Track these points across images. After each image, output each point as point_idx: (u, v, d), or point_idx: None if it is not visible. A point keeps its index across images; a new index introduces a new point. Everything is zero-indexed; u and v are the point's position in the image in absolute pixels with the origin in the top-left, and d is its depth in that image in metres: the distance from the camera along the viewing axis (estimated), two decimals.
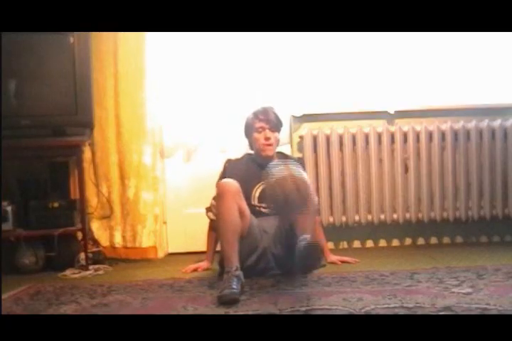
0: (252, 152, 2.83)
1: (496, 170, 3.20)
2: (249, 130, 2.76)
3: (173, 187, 3.31)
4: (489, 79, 3.34)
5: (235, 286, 2.08)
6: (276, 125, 2.71)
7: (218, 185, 2.41)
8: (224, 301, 2.01)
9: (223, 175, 2.70)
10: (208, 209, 2.75)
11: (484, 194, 3.21)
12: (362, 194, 3.21)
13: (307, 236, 2.12)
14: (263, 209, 2.62)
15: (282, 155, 2.82)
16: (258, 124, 2.69)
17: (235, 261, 2.22)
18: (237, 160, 2.82)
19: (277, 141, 2.74)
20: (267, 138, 2.67)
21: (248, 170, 2.71)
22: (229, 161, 2.81)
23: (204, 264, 2.75)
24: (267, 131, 2.67)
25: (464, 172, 3.20)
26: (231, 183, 2.38)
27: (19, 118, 2.77)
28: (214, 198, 2.53)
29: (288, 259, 2.27)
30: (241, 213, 2.37)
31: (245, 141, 2.85)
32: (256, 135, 2.70)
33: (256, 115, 2.71)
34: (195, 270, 2.71)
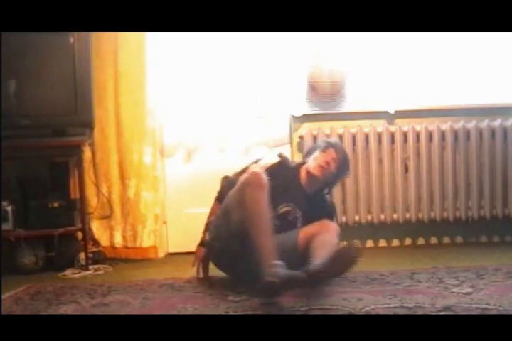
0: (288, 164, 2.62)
1: (496, 170, 3.20)
2: (313, 150, 2.59)
3: (173, 187, 3.31)
4: (489, 79, 3.34)
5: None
6: (341, 164, 2.53)
7: (253, 173, 2.20)
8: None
9: (270, 172, 2.36)
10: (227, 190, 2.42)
11: (484, 194, 3.21)
12: (362, 194, 3.21)
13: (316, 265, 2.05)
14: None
15: (321, 196, 2.64)
16: (330, 150, 2.51)
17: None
18: (291, 166, 2.60)
19: (330, 175, 2.52)
20: (327, 163, 2.48)
21: (281, 181, 2.46)
22: (285, 161, 2.58)
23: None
24: (332, 160, 2.49)
25: (464, 172, 3.21)
26: (260, 173, 2.20)
27: (19, 118, 2.77)
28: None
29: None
30: None
31: (245, 141, 2.83)
32: (319, 154, 2.52)
33: (331, 145, 2.56)
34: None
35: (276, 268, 1.96)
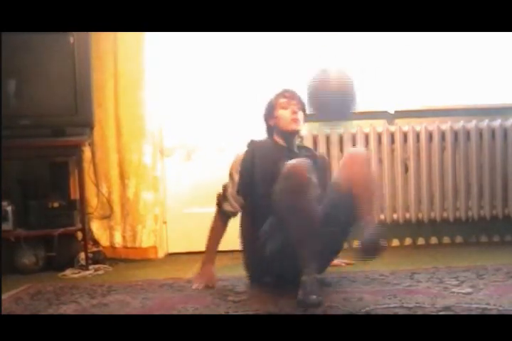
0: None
1: (496, 170, 3.20)
2: (271, 110, 2.46)
3: (173, 187, 3.31)
4: (489, 79, 3.34)
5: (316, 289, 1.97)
6: (302, 105, 2.41)
7: (292, 168, 2.06)
8: (308, 306, 1.93)
9: (249, 157, 2.38)
10: (222, 199, 2.41)
11: (484, 194, 3.21)
12: None
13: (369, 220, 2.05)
14: None
15: (306, 149, 2.59)
16: (283, 100, 2.42)
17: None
18: (263, 142, 2.47)
19: (303, 121, 2.45)
20: (294, 112, 2.39)
21: (277, 154, 2.35)
22: (254, 143, 2.44)
23: (211, 276, 2.41)
24: (294, 106, 2.40)
25: (463, 172, 3.20)
26: (306, 166, 2.07)
27: (19, 118, 2.77)
28: (225, 186, 2.40)
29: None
30: None
31: (245, 141, 2.82)
32: (281, 112, 2.42)
33: (281, 93, 2.47)
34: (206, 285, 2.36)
35: (313, 287, 1.96)
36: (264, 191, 2.18)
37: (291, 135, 2.44)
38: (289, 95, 2.45)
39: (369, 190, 2.18)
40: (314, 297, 1.93)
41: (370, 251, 2.00)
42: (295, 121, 2.40)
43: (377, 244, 2.02)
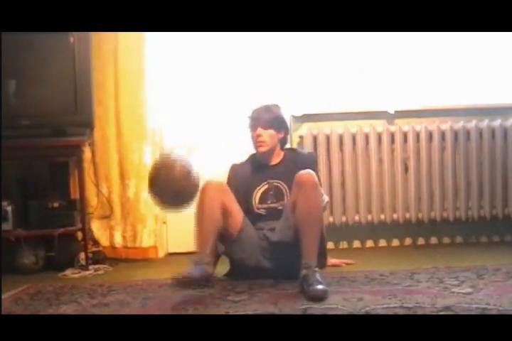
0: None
1: (496, 170, 3.20)
2: (249, 129, 2.68)
3: None
4: (489, 79, 3.34)
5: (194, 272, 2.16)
6: (269, 122, 2.57)
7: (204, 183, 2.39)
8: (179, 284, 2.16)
9: (228, 181, 2.61)
10: None
11: (484, 194, 3.21)
12: (362, 194, 3.21)
13: (310, 264, 2.17)
14: (262, 212, 2.55)
15: (292, 151, 2.73)
16: (251, 122, 2.61)
17: (205, 250, 2.27)
18: (241, 164, 2.71)
19: (274, 138, 2.59)
20: (258, 136, 2.56)
21: (250, 171, 2.64)
22: (232, 167, 2.70)
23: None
24: (259, 128, 2.56)
25: (463, 172, 3.21)
26: (215, 181, 2.43)
27: (19, 118, 2.77)
28: None
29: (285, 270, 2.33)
30: (227, 212, 2.40)
31: (245, 141, 2.84)
32: (251, 133, 2.61)
33: (251, 113, 2.63)
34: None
35: (194, 267, 2.18)
36: (243, 207, 2.50)
37: (262, 156, 2.62)
38: (255, 116, 2.61)
39: (312, 226, 2.27)
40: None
41: (316, 298, 2.03)
42: (259, 144, 2.57)
43: (321, 291, 2.06)
